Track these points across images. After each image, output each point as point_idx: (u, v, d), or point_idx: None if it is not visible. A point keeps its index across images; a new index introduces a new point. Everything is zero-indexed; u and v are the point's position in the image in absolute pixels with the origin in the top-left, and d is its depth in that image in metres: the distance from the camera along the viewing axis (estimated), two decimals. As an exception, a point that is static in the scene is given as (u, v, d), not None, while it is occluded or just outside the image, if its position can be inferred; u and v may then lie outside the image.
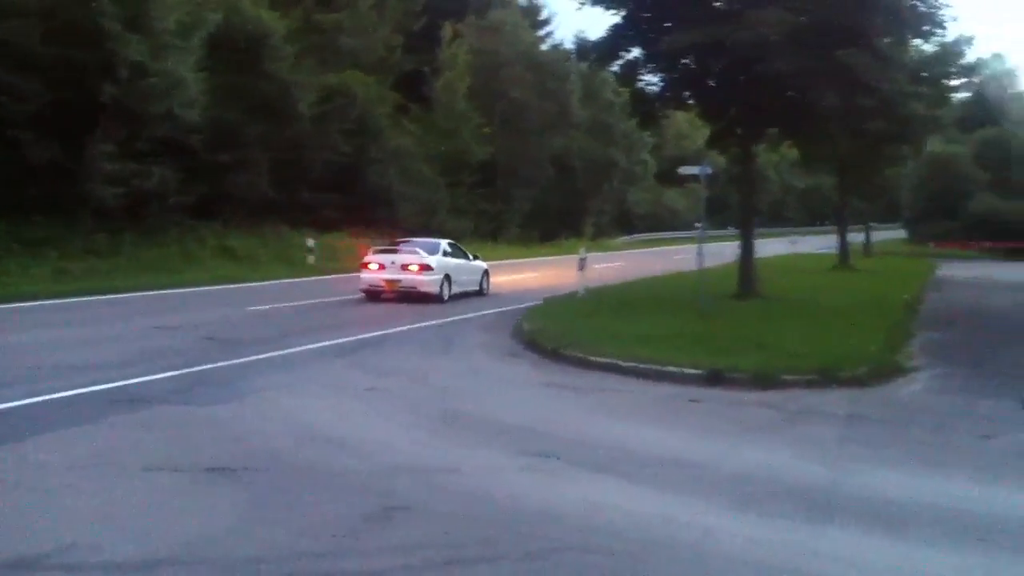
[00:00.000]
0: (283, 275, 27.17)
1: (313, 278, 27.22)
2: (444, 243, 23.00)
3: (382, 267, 21.24)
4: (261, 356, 12.69)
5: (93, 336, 14.62)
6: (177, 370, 11.33)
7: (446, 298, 21.23)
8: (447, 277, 21.59)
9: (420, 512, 6.33)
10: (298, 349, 13.46)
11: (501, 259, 39.14)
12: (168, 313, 17.73)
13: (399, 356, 13.40)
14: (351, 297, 21.42)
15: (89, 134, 24.78)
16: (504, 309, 19.71)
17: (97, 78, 24.08)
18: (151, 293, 21.40)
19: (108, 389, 10.08)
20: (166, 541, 5.63)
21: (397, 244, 22.95)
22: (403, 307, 19.66)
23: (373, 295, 21.26)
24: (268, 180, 32.35)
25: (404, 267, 21.05)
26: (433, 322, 17.36)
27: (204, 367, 11.66)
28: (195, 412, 9.26)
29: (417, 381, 11.41)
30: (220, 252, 29.09)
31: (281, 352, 13.09)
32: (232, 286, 23.86)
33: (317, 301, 20.65)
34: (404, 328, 16.33)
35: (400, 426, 8.97)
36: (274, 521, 6.08)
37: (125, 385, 10.33)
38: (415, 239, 24.21)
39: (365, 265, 21.53)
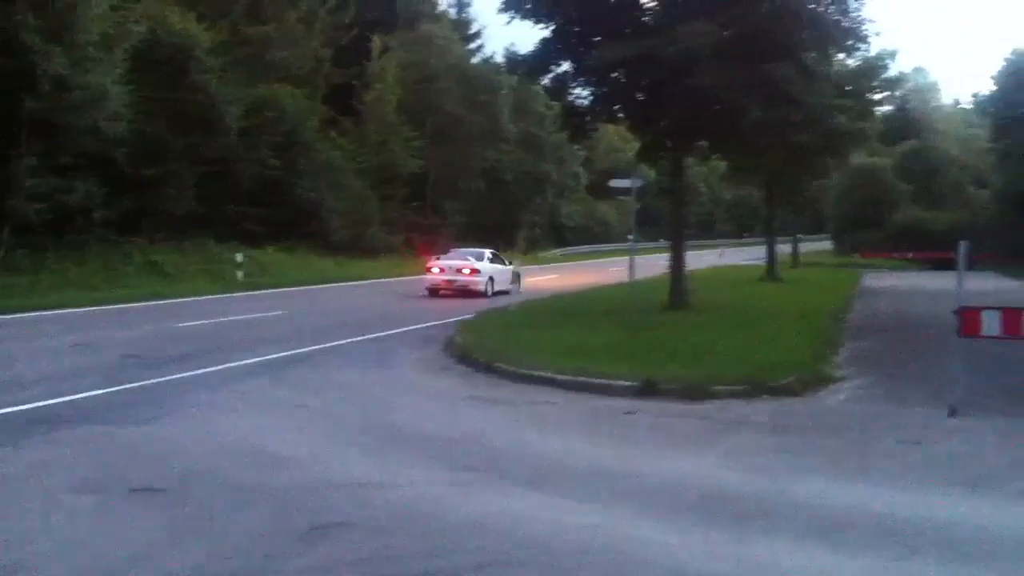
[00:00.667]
0: (211, 291, 26.76)
1: (242, 293, 26.85)
2: (488, 252, 29.67)
3: (442, 271, 28.05)
4: (188, 374, 12.47)
5: (12, 354, 14.25)
6: (100, 389, 11.09)
7: (490, 294, 27.10)
8: (490, 278, 27.98)
9: (352, 528, 6.24)
10: (226, 366, 13.23)
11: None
12: (92, 330, 17.38)
13: (330, 372, 13.24)
14: (280, 312, 21.20)
15: (11, 148, 24.21)
16: (438, 323, 19.59)
17: (18, 91, 23.55)
18: (74, 310, 20.95)
19: (27, 409, 9.83)
20: (93, 564, 5.49)
21: (451, 252, 30.35)
22: (335, 323, 19.49)
23: (434, 292, 27.69)
24: (195, 194, 31.89)
25: (459, 271, 27.87)
26: (366, 336, 17.21)
27: (128, 385, 11.44)
28: (119, 432, 9.05)
29: (348, 397, 11.28)
30: (146, 268, 28.55)
31: (209, 369, 12.88)
32: (159, 302, 23.45)
33: (246, 317, 20.36)
34: (335, 344, 16.15)
35: (331, 442, 8.86)
36: (203, 541, 5.96)
37: (46, 405, 10.09)
38: (466, 249, 31.19)
39: (428, 269, 28.45)
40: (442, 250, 33.80)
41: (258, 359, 13.98)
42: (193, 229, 31.90)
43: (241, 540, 5.99)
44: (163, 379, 12.00)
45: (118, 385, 11.42)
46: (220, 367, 13.11)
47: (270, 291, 27.75)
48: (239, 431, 9.26)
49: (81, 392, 10.84)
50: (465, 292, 27.08)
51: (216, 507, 6.67)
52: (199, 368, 12.90)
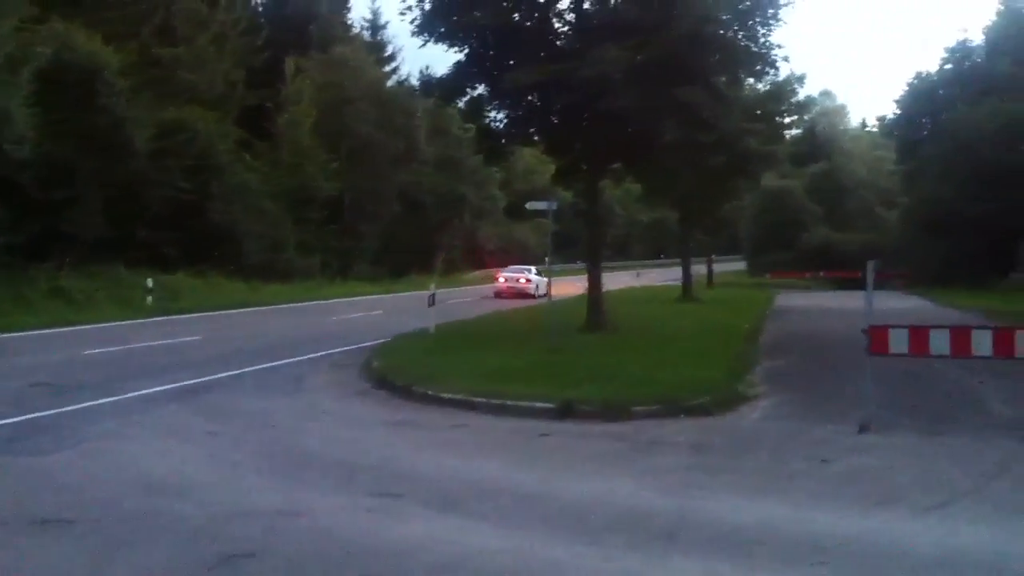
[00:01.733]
0: (121, 316, 26.05)
1: (153, 319, 26.23)
2: (534, 268, 43.60)
3: (506, 280, 41.68)
4: (95, 402, 12.12)
5: (-90, 386, 13.70)
6: (5, 419, 10.73)
7: (537, 296, 37.62)
8: (536, 285, 39.65)
9: (264, 557, 6.14)
10: (135, 394, 12.89)
11: (350, 296, 38.80)
12: (-4, 359, 16.81)
13: (243, 398, 12.98)
14: (192, 338, 20.78)
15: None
16: (356, 347, 19.36)
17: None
18: (-24, 338, 20.24)
19: (-76, 442, 9.44)
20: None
21: (510, 268, 44.89)
22: (249, 348, 19.19)
23: (499, 295, 39.75)
24: (104, 218, 31.10)
25: (517, 280, 41.47)
26: (281, 361, 16.94)
27: (34, 415, 11.10)
28: (24, 462, 8.81)
29: (261, 424, 11.08)
30: (53, 294, 27.65)
31: (117, 397, 12.54)
32: (66, 329, 22.78)
33: (157, 343, 19.87)
34: (250, 369, 15.85)
35: (242, 470, 8.68)
36: (112, 573, 5.83)
37: (-56, 437, 9.70)
38: (520, 266, 45.56)
39: (496, 279, 42.60)
40: (501, 265, 49.31)
41: (168, 386, 13.65)
42: (103, 254, 31.05)
43: (151, 571, 5.87)
44: (71, 408, 11.65)
45: (25, 414, 11.08)
46: (129, 395, 12.78)
47: (182, 316, 27.18)
48: (148, 459, 9.03)
49: (-15, 422, 10.46)
50: (522, 295, 39.31)
51: (125, 538, 6.50)
52: (108, 396, 12.56)
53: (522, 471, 8.77)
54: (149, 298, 29.09)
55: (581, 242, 37.54)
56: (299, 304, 34.35)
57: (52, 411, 11.38)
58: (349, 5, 60.45)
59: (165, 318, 26.48)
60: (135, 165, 32.35)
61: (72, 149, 29.50)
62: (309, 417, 11.72)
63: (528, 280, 40.77)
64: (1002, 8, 52.64)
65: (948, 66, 55.62)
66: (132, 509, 7.22)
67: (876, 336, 10.56)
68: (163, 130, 34.78)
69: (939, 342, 10.45)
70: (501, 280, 41.44)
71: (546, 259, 20.50)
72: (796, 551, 6.38)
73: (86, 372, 15.17)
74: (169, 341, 20.25)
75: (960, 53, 55.11)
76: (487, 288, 42.41)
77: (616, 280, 40.19)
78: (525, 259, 66.86)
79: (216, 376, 14.86)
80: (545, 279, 34.53)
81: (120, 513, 7.11)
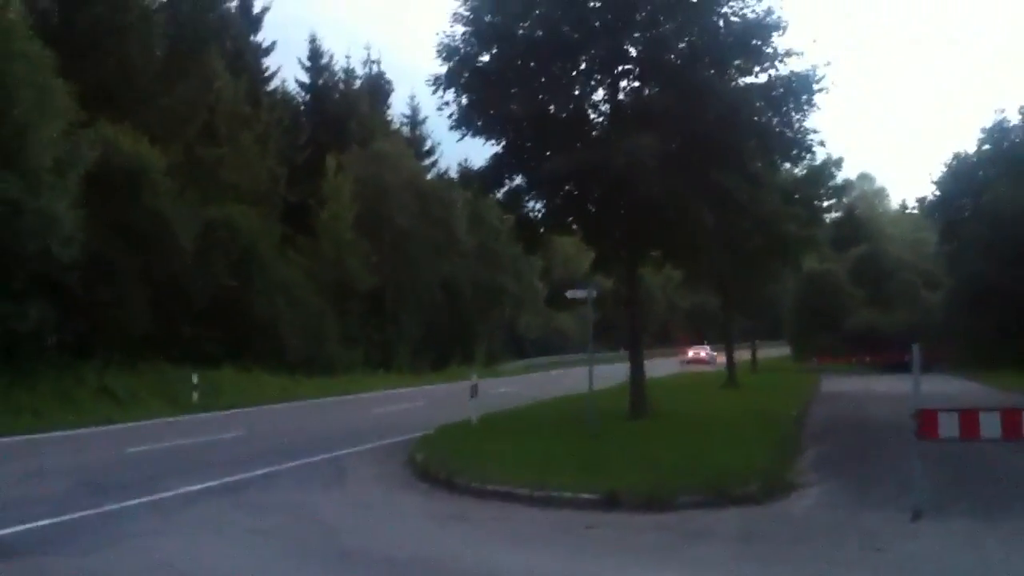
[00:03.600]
0: (166, 413, 26.27)
1: (198, 415, 26.38)
2: (708, 346, 69.59)
3: (694, 353, 68.70)
4: (138, 500, 12.12)
5: (-42, 486, 13.80)
6: (49, 518, 10.73)
7: (712, 364, 55.96)
8: (712, 357, 63.39)
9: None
10: (179, 491, 12.89)
11: (391, 387, 38.83)
12: (42, 457, 16.91)
13: (286, 493, 12.93)
14: (236, 434, 20.85)
15: (-39, 276, 23.92)
16: (399, 439, 19.28)
17: (-32, 217, 23.36)
18: (24, 437, 20.40)
19: (-28, 543, 9.47)
20: None
21: (695, 346, 71.65)
22: (293, 442, 19.20)
23: (688, 363, 59.29)
24: (149, 315, 31.53)
25: (699, 353, 69.53)
26: (325, 455, 16.88)
27: (77, 514, 11.08)
28: (64, 562, 8.80)
29: (304, 519, 11.00)
30: (99, 392, 27.93)
31: (160, 495, 12.53)
32: (111, 427, 22.96)
33: (202, 439, 19.95)
34: (293, 464, 15.81)
35: (287, 568, 8.62)
36: None
37: (-8, 537, 9.72)
38: (700, 344, 72.54)
39: (685, 352, 69.12)
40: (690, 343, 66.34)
41: (213, 483, 13.64)
42: (147, 350, 31.43)
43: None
44: (115, 506, 11.66)
45: (69, 514, 11.06)
46: (173, 492, 12.78)
47: (226, 412, 27.31)
48: (189, 558, 9.00)
49: (30, 522, 10.47)
50: (702, 362, 61.85)
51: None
52: (150, 494, 12.54)
53: (567, 564, 8.64)
54: (195, 394, 29.30)
55: (622, 328, 37.49)
56: (341, 397, 34.44)
57: (93, 511, 11.36)
58: (389, 102, 61.67)
59: (209, 414, 26.63)
60: (180, 263, 32.84)
61: (118, 248, 30.06)
62: (351, 512, 11.65)
63: (708, 354, 67.90)
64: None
65: (986, 146, 55.54)
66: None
67: (925, 420, 10.38)
68: (207, 228, 35.37)
69: (990, 425, 10.26)
70: (690, 354, 67.10)
71: (588, 347, 20.43)
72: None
73: (129, 470, 15.23)
74: (213, 437, 20.34)
75: (998, 133, 55.04)
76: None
77: (660, 367, 39.96)
78: (566, 347, 67.27)
79: (259, 472, 14.83)
80: (715, 352, 57.60)
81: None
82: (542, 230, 23.91)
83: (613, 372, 26.92)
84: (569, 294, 21.41)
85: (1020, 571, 7.94)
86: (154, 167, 31.79)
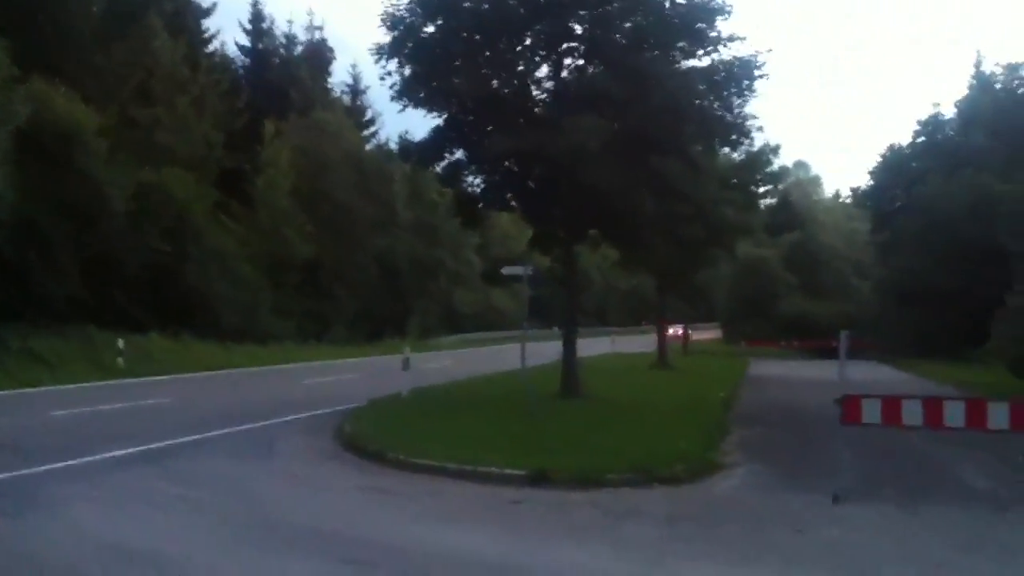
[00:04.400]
0: (93, 378, 25.82)
1: (124, 381, 25.97)
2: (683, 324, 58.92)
3: (675, 331, 54.40)
4: (61, 464, 11.94)
5: None
6: (-33, 482, 10.50)
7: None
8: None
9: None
10: (102, 456, 12.71)
11: (324, 360, 38.57)
12: (-38, 420, 16.56)
13: (213, 462, 12.80)
14: (164, 401, 20.57)
15: None
16: (329, 411, 19.15)
17: None
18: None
19: None
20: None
21: (675, 324, 56.45)
22: (221, 411, 18.96)
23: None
24: (78, 279, 30.89)
25: (677, 331, 55.63)
26: (254, 425, 16.73)
27: (-1, 477, 10.85)
28: (-18, 528, 8.57)
29: (232, 489, 10.91)
30: (24, 355, 27.33)
31: (84, 460, 12.35)
32: (36, 390, 22.53)
33: (128, 405, 19.65)
34: (220, 432, 15.65)
35: (210, 537, 8.53)
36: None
37: (-96, 500, 9.49)
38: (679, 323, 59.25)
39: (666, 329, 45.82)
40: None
41: (137, 449, 13.47)
42: (76, 315, 30.79)
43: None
44: (35, 470, 11.48)
45: (-12, 477, 10.85)
46: (96, 457, 12.59)
47: (154, 379, 26.94)
48: (113, 525, 8.87)
49: (-55, 485, 10.26)
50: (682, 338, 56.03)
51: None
52: (74, 458, 12.36)
53: (494, 540, 8.66)
54: (120, 360, 28.81)
55: (558, 308, 37.54)
56: (273, 368, 34.11)
57: (14, 473, 11.19)
58: (330, 70, 60.80)
59: (137, 380, 26.25)
60: (111, 227, 32.20)
61: (48, 210, 29.37)
62: (279, 482, 11.56)
63: (686, 329, 59.59)
64: (974, 82, 53.69)
65: (921, 139, 56.48)
66: (95, 576, 7.06)
67: (849, 406, 10.57)
68: (140, 192, 34.69)
69: (912, 413, 10.48)
70: (671, 331, 54.03)
71: (522, 324, 20.44)
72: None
73: (53, 434, 14.99)
74: (140, 403, 20.04)
75: (932, 126, 56.01)
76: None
77: (593, 347, 40.14)
78: (502, 324, 67.28)
79: (186, 439, 14.67)
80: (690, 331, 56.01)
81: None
82: (481, 206, 23.82)
83: (547, 350, 26.98)
84: (505, 271, 21.38)
85: (937, 556, 8.12)
86: (87, 128, 31.11)
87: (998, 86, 50.85)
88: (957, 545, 8.54)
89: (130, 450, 13.34)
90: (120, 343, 29.41)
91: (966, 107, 53.02)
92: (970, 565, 7.89)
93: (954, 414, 10.30)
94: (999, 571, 7.73)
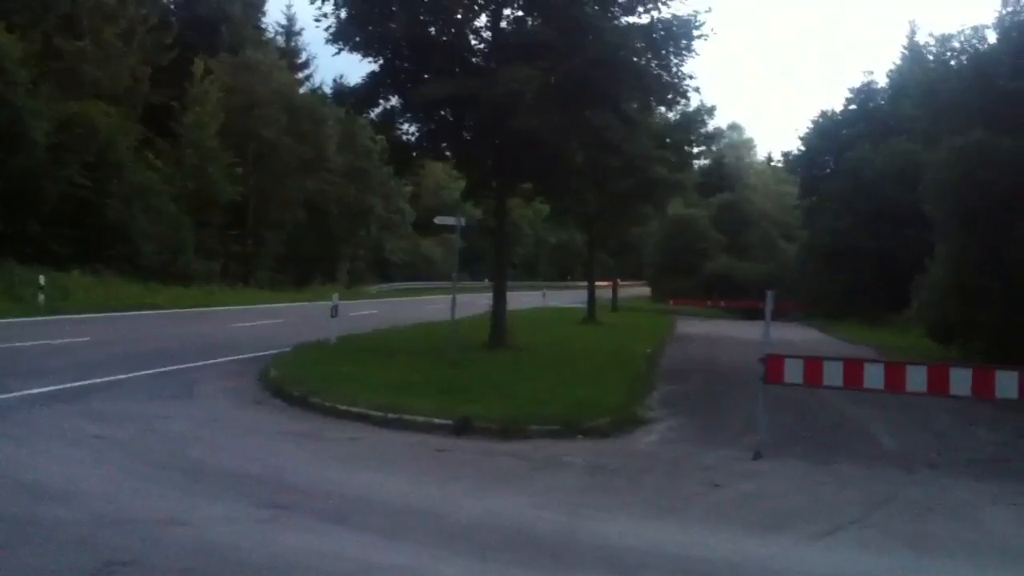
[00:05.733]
0: (10, 314, 25.16)
1: (43, 318, 25.41)
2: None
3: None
4: (-26, 400, 11.63)
5: None
6: None
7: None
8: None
9: (144, 567, 5.94)
10: (18, 394, 12.43)
11: (251, 304, 38.16)
12: None
13: (132, 403, 12.56)
14: (84, 339, 20.17)
15: None
16: (255, 355, 18.95)
17: None
18: None
19: None
20: None
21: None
22: (143, 351, 18.66)
23: None
24: (-4, 211, 30.09)
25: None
26: (176, 367, 16.48)
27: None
28: None
29: (149, 429, 10.75)
30: (-62, 288, 26.65)
31: (-1, 397, 12.05)
32: (-51, 324, 21.95)
33: (44, 343, 19.22)
34: (141, 373, 15.41)
35: (127, 477, 8.39)
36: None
37: None
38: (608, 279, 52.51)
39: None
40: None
41: (54, 387, 13.19)
42: (-10, 252, 30.04)
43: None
44: (-54, 406, 11.18)
45: None
46: (11, 394, 12.31)
47: (74, 316, 26.39)
48: (28, 462, 8.68)
49: None
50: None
51: (-2, 544, 6.20)
52: (-12, 395, 12.07)
53: (416, 486, 8.66)
54: (41, 296, 28.15)
55: (488, 259, 37.52)
56: (197, 309, 33.64)
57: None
58: (264, 9, 59.68)
59: (56, 317, 25.70)
60: (32, 158, 31.35)
61: (-35, 138, 28.49)
62: (200, 424, 11.40)
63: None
64: (906, 52, 54.39)
65: (852, 106, 57.20)
66: (8, 514, 6.90)
67: (772, 365, 10.73)
68: (63, 124, 33.86)
69: (833, 374, 10.67)
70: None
71: (452, 275, 20.40)
72: (681, 573, 6.41)
73: (-34, 369, 14.59)
74: (58, 341, 19.63)
75: (864, 94, 56.73)
76: None
77: (523, 300, 40.27)
78: (432, 274, 67.09)
79: (105, 379, 14.40)
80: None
81: (-5, 518, 6.81)
82: (414, 154, 23.62)
83: (476, 301, 27.01)
84: (438, 220, 21.29)
85: (850, 511, 8.31)
86: (10, 55, 30.11)
87: (930, 57, 51.60)
88: (870, 501, 8.74)
89: (48, 388, 13.06)
90: (41, 279, 28.70)
91: (897, 77, 53.77)
92: (881, 520, 8.08)
93: (873, 376, 10.51)
94: (909, 527, 7.93)
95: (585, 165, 20.81)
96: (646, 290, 73.67)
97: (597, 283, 42.43)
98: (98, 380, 14.20)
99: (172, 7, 52.81)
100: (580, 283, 53.53)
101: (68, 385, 13.50)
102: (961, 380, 10.10)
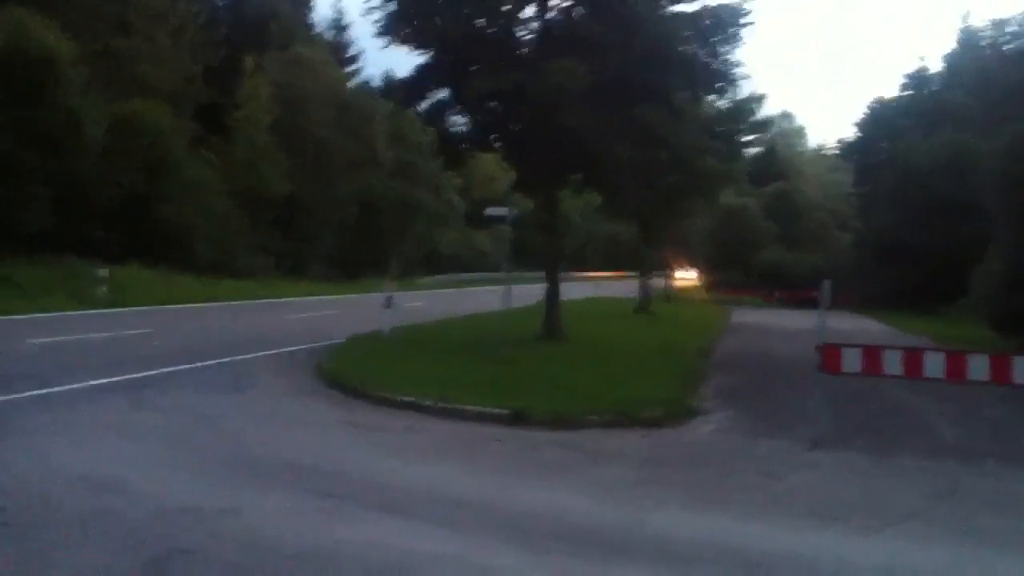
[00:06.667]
0: (72, 307, 25.60)
1: (104, 311, 25.82)
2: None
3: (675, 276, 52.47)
4: (36, 392, 11.85)
5: None
6: (-61, 409, 10.41)
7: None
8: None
9: (201, 557, 6.03)
10: (81, 385, 12.65)
11: (304, 296, 38.45)
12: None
13: (190, 394, 12.72)
14: (144, 331, 20.47)
15: None
16: (309, 346, 19.10)
17: None
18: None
19: None
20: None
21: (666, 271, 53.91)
22: (201, 343, 18.86)
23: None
24: (53, 212, 30.53)
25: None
26: (233, 358, 16.66)
27: (-32, 406, 10.77)
28: (-46, 455, 8.51)
29: (208, 420, 10.87)
30: (2, 284, 27.09)
31: (57, 388, 12.28)
32: (13, 318, 22.35)
33: (107, 335, 19.52)
34: (199, 364, 15.57)
35: (183, 468, 8.50)
36: (45, 572, 5.65)
37: None
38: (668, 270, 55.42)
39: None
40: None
41: (116, 379, 13.39)
42: (52, 247, 30.50)
43: (84, 570, 5.72)
44: (9, 397, 11.40)
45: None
46: (74, 386, 12.53)
47: (134, 309, 26.77)
48: (86, 455, 8.82)
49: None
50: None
51: (58, 536, 6.33)
52: (50, 387, 12.29)
53: (471, 476, 8.69)
54: (104, 288, 28.55)
55: (539, 251, 37.43)
56: (252, 302, 33.97)
57: (-11, 401, 11.11)
58: (312, 4, 60.06)
59: (116, 310, 26.09)
60: (86, 159, 31.79)
61: (21, 141, 28.93)
62: (255, 415, 11.52)
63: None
64: (961, 37, 53.49)
65: (907, 92, 56.35)
66: (69, 507, 7.02)
67: (829, 355, 10.62)
68: (116, 123, 34.26)
69: (892, 363, 10.54)
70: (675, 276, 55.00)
71: (503, 266, 20.41)
72: (739, 566, 6.36)
73: (30, 362, 14.89)
74: (119, 333, 19.93)
75: (918, 80, 55.88)
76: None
77: (575, 291, 40.21)
78: (483, 266, 67.20)
79: (164, 370, 14.61)
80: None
81: (53, 510, 6.93)
82: (464, 146, 23.64)
83: (529, 293, 27.00)
84: (488, 212, 21.28)
85: (906, 504, 8.20)
86: (63, 57, 30.54)
87: (984, 43, 50.73)
88: (928, 494, 8.62)
89: (107, 380, 13.26)
90: (102, 272, 29.13)
91: (952, 63, 52.91)
92: (940, 515, 7.97)
93: (934, 365, 10.37)
94: (965, 521, 7.82)
95: (632, 162, 20.68)
96: (699, 280, 73.16)
97: (650, 273, 42.21)
98: (157, 372, 14.41)
99: (221, 5, 53.30)
100: (632, 273, 53.12)
101: (126, 377, 13.67)
102: (1024, 369, 9.93)
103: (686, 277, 59.53)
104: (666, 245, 52.55)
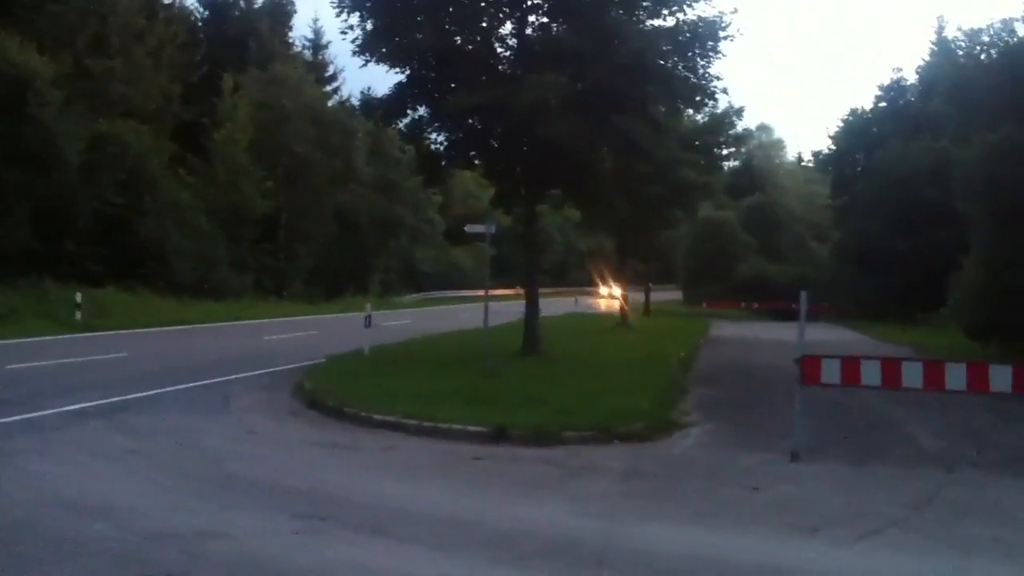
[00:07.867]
0: (47, 331, 25.42)
1: (80, 335, 25.62)
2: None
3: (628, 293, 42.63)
4: (12, 418, 11.74)
5: None
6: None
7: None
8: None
9: (183, 582, 5.94)
10: (56, 410, 12.54)
11: (284, 316, 38.30)
12: (-89, 372, 16.27)
13: (169, 417, 12.64)
14: (121, 355, 20.33)
15: None
16: (287, 367, 19.03)
17: None
18: None
19: None
20: None
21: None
22: (179, 366, 18.77)
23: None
24: (30, 231, 30.36)
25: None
26: (211, 380, 16.56)
27: (-54, 431, 10.67)
28: (-70, 481, 8.42)
29: (185, 443, 10.80)
30: (-25, 307, 26.86)
31: (36, 413, 12.18)
32: (-11, 343, 22.18)
33: (83, 359, 19.37)
34: (177, 387, 15.49)
35: (164, 491, 8.44)
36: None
37: None
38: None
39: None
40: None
41: (93, 403, 13.29)
42: (28, 267, 30.31)
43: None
44: (-12, 423, 11.29)
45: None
46: (51, 411, 12.43)
47: (111, 333, 26.58)
48: (67, 478, 8.75)
49: None
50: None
51: (36, 561, 6.27)
52: (27, 412, 12.19)
53: (453, 495, 8.66)
54: (78, 313, 28.39)
55: (519, 267, 37.45)
56: (231, 323, 33.77)
57: (-33, 426, 11.00)
58: (291, 24, 59.94)
59: (92, 334, 25.90)
60: (65, 178, 31.64)
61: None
62: (236, 437, 11.46)
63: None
64: (935, 48, 53.96)
65: (882, 104, 56.81)
66: (48, 530, 6.96)
67: (808, 366, 10.63)
68: (95, 143, 34.13)
69: (870, 373, 10.57)
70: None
71: (484, 283, 20.39)
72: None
73: (7, 387, 14.74)
74: (95, 357, 19.77)
75: (894, 91, 56.37)
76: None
77: (554, 306, 40.20)
78: (463, 283, 67.20)
79: (142, 394, 14.50)
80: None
81: (30, 534, 6.87)
82: (443, 163, 23.63)
83: (508, 309, 27.00)
84: (468, 228, 21.32)
85: (891, 513, 8.22)
86: (41, 76, 30.43)
87: (960, 52, 51.16)
88: (909, 503, 8.65)
89: (86, 404, 13.16)
90: (78, 297, 28.94)
91: (927, 73, 53.37)
92: (921, 522, 7.99)
93: (912, 375, 10.40)
94: (947, 529, 7.84)
95: (613, 171, 20.73)
96: (678, 294, 73.32)
97: (629, 288, 42.29)
98: (136, 395, 14.29)
99: (200, 24, 53.22)
100: (611, 288, 53.05)
101: (105, 401, 13.58)
102: (1001, 377, 9.98)
103: (612, 294, 52.56)
104: (646, 258, 52.70)
